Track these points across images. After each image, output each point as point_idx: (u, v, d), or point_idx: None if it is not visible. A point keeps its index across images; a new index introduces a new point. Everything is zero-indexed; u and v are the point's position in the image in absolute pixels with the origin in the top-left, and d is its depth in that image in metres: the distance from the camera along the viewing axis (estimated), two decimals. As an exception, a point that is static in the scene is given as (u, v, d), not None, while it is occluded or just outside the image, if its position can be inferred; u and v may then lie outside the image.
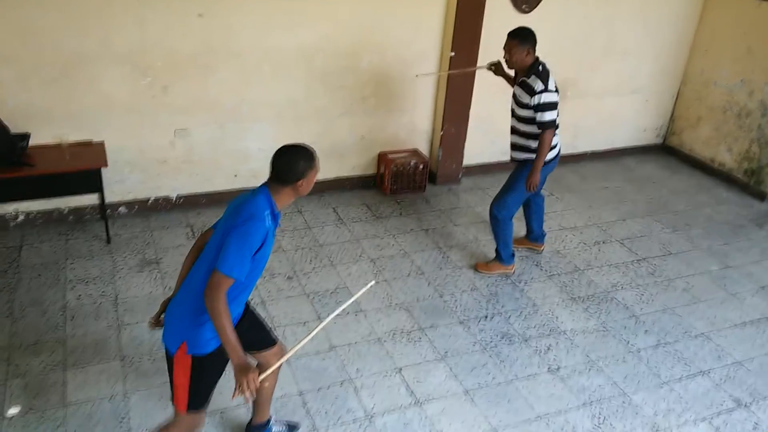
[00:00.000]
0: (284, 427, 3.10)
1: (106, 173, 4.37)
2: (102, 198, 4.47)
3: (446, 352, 3.70)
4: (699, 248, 4.96)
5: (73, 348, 3.52)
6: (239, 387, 2.29)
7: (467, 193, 5.60)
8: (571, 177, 6.01)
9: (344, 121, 5.22)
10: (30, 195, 4.36)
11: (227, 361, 2.49)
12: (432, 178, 5.68)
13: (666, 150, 6.75)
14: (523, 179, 4.11)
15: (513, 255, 4.43)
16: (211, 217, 4.88)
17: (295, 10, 4.63)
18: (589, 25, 5.74)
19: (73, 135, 4.41)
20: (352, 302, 2.52)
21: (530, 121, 3.97)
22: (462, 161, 5.71)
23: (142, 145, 4.66)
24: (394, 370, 3.54)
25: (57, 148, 4.33)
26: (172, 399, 2.55)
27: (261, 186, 2.47)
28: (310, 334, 2.45)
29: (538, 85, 3.85)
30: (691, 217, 5.45)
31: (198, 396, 2.52)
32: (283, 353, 2.77)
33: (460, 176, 5.77)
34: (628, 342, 3.89)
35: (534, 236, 4.71)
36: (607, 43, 5.90)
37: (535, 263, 4.62)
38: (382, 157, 5.44)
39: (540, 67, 3.90)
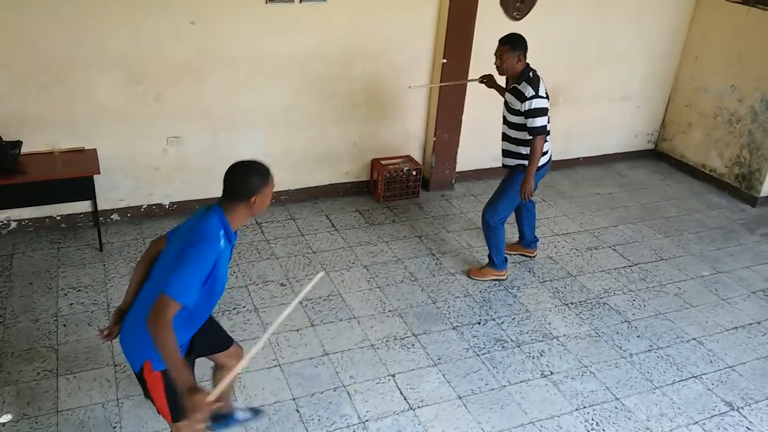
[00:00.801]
0: (248, 413, 3.11)
1: (98, 180, 4.37)
2: (94, 205, 4.47)
3: (439, 358, 3.71)
4: (690, 253, 4.99)
5: (66, 355, 3.51)
6: (188, 412, 2.19)
7: (460, 199, 5.62)
8: (563, 183, 6.04)
9: (337, 127, 5.24)
10: (22, 202, 4.36)
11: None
12: (425, 185, 5.69)
13: (657, 156, 6.79)
14: (515, 185, 4.12)
15: (506, 260, 4.45)
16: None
17: (288, 17, 4.65)
18: (580, 32, 5.78)
19: (65, 142, 4.42)
20: (303, 296, 2.47)
21: (521, 127, 4.00)
22: (455, 167, 5.74)
23: (134, 152, 4.66)
24: (387, 377, 3.54)
25: (49, 155, 4.33)
26: (159, 412, 2.52)
27: (214, 205, 2.37)
28: (264, 336, 2.33)
29: (529, 91, 3.88)
30: (682, 222, 5.48)
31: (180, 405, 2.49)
32: (239, 355, 2.77)
33: (453, 182, 5.79)
34: (621, 347, 3.90)
35: (526, 242, 4.73)
36: (599, 49, 5.95)
37: (528, 269, 4.64)
38: (375, 164, 5.46)
39: (530, 74, 3.93)
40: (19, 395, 3.23)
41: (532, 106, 3.87)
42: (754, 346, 3.99)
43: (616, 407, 3.45)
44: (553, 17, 5.52)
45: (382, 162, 5.43)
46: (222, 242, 2.29)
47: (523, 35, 3.94)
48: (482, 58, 5.28)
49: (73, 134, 4.44)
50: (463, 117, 5.50)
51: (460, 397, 3.44)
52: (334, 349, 3.71)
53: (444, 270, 4.55)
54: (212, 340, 2.71)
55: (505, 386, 3.54)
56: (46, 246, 4.51)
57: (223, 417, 3.01)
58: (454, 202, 5.58)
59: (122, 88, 4.44)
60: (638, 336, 4.01)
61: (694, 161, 6.40)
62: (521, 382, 3.58)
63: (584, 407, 3.43)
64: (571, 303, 4.29)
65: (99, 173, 4.30)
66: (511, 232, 4.68)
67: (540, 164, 4.08)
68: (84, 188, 4.29)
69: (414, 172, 5.45)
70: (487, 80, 4.34)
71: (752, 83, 5.71)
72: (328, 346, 3.73)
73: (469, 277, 4.46)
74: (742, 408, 3.50)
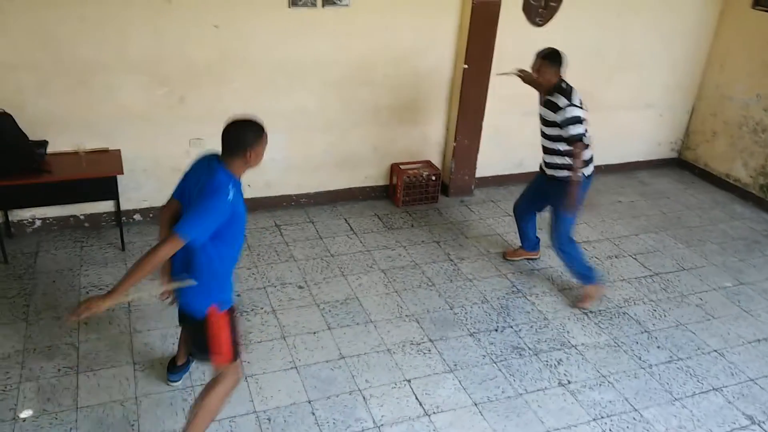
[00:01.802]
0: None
1: (121, 181, 4.43)
2: (117, 205, 4.53)
3: (456, 364, 3.69)
4: (713, 264, 4.91)
5: (86, 353, 3.56)
6: (84, 305, 2.39)
7: (480, 205, 5.61)
8: (584, 190, 5.99)
9: (357, 132, 5.25)
10: (47, 201, 4.43)
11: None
12: (444, 190, 5.69)
13: (681, 164, 6.71)
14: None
15: (592, 268, 4.30)
16: (224, 226, 4.93)
17: (310, 22, 4.68)
18: (603, 38, 5.74)
19: (90, 143, 4.48)
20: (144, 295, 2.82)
21: (559, 139, 3.95)
22: (475, 173, 5.72)
23: (157, 154, 4.72)
24: (403, 381, 3.54)
25: (74, 155, 4.40)
26: (211, 359, 2.78)
27: (213, 159, 2.62)
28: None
29: (562, 101, 3.84)
30: (705, 232, 5.41)
31: (237, 343, 2.85)
32: None
33: (472, 188, 5.77)
34: (640, 357, 3.86)
35: (531, 244, 4.68)
36: (621, 56, 5.90)
37: (547, 277, 4.60)
38: (394, 168, 5.47)
39: (564, 84, 3.90)
40: (40, 391, 3.28)
41: (567, 115, 3.83)
42: (777, 359, 3.93)
43: (634, 418, 3.40)
44: (575, 23, 5.49)
45: (402, 167, 5.44)
46: (231, 195, 2.53)
47: (558, 48, 3.91)
48: (503, 63, 5.27)
49: (98, 135, 4.51)
50: (484, 122, 5.48)
51: (476, 404, 3.42)
52: (351, 353, 3.71)
53: (462, 276, 4.54)
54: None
55: (521, 394, 3.52)
56: (70, 245, 4.58)
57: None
58: (474, 207, 5.56)
59: (146, 90, 4.50)
60: (658, 347, 3.96)
61: (718, 171, 6.32)
62: (538, 390, 3.55)
63: (602, 417, 3.40)
64: (590, 312, 4.25)
65: (123, 173, 4.36)
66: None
67: (586, 173, 4.02)
68: (108, 188, 4.35)
69: (433, 177, 5.45)
70: (524, 74, 4.24)
71: (779, 92, 5.63)
72: (345, 349, 3.74)
73: (581, 310, 4.24)
74: (763, 422, 3.44)
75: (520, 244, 4.75)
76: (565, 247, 4.21)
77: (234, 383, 2.90)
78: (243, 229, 2.72)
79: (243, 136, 2.57)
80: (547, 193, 4.26)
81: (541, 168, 4.30)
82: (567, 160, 4.02)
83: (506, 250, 4.85)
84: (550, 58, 3.89)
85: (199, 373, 3.46)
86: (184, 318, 2.97)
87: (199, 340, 2.80)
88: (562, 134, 3.92)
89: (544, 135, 4.10)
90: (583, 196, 4.13)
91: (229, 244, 2.67)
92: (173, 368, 3.39)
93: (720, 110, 6.22)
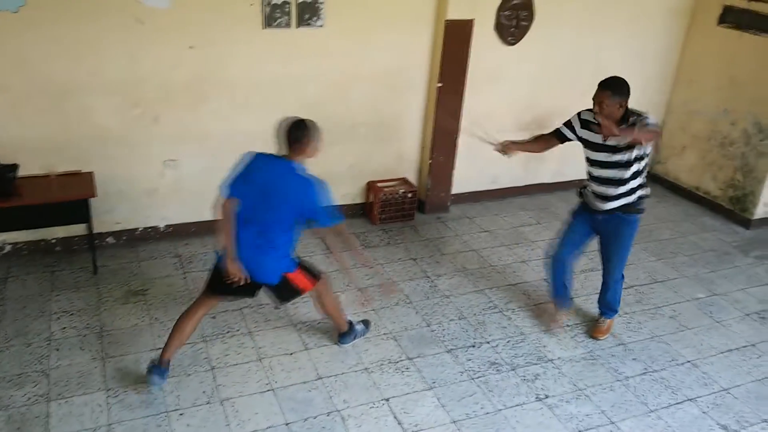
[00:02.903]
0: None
1: (95, 203, 4.38)
2: (90, 228, 4.47)
3: (434, 382, 3.69)
4: (685, 276, 4.99)
5: (57, 380, 3.49)
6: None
7: (456, 221, 5.64)
8: (558, 205, 6.04)
9: (333, 150, 5.24)
10: (17, 226, 4.36)
11: None
12: (421, 207, 5.71)
13: (652, 178, 6.80)
14: (630, 235, 3.88)
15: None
16: (199, 247, 4.89)
17: (285, 42, 4.70)
18: (575, 56, 5.83)
19: (62, 165, 4.43)
20: None
21: (628, 164, 3.61)
22: (450, 190, 5.76)
23: (131, 175, 4.68)
24: (381, 401, 3.52)
25: (46, 178, 4.34)
26: (302, 292, 3.50)
27: (282, 160, 3.22)
28: None
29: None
30: (676, 244, 5.49)
31: (311, 273, 3.53)
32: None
33: (448, 205, 5.81)
34: (616, 370, 3.89)
35: (567, 298, 4.26)
36: (593, 73, 5.96)
37: (523, 292, 4.64)
38: (371, 186, 5.48)
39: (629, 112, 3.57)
40: (9, 420, 3.21)
41: (647, 121, 3.47)
42: (748, 368, 3.98)
43: (611, 431, 3.42)
44: (547, 42, 5.58)
45: (378, 184, 5.45)
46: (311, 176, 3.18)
47: (624, 79, 3.56)
48: (477, 82, 5.36)
49: (71, 157, 4.46)
50: (459, 139, 5.53)
51: (454, 422, 3.42)
52: (328, 373, 3.69)
53: (439, 292, 4.55)
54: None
55: (500, 410, 3.52)
56: (41, 269, 4.51)
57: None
58: (450, 224, 5.59)
59: (120, 112, 4.47)
60: (633, 359, 4.00)
61: (688, 184, 6.43)
62: (516, 405, 3.56)
63: (579, 431, 3.41)
64: (566, 326, 4.28)
65: (95, 196, 4.31)
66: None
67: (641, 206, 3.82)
68: (79, 211, 4.30)
69: (409, 195, 5.47)
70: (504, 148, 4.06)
71: (745, 107, 5.76)
72: (322, 369, 3.72)
73: (594, 338, 4.14)
74: (737, 431, 3.48)
75: (555, 302, 4.23)
76: (619, 279, 4.09)
77: (327, 288, 3.69)
78: None
79: (299, 134, 3.15)
80: (589, 230, 3.98)
81: (586, 206, 3.95)
82: (633, 184, 3.71)
83: (547, 322, 4.28)
84: (611, 88, 3.45)
85: (173, 397, 3.42)
86: (249, 287, 3.38)
87: (283, 294, 3.49)
88: (638, 152, 3.55)
89: (608, 165, 3.67)
90: (635, 234, 3.92)
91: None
92: (155, 368, 3.38)
93: (689, 125, 6.35)
